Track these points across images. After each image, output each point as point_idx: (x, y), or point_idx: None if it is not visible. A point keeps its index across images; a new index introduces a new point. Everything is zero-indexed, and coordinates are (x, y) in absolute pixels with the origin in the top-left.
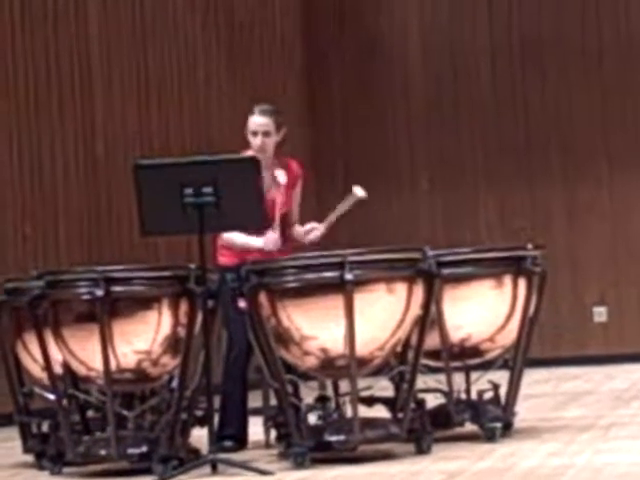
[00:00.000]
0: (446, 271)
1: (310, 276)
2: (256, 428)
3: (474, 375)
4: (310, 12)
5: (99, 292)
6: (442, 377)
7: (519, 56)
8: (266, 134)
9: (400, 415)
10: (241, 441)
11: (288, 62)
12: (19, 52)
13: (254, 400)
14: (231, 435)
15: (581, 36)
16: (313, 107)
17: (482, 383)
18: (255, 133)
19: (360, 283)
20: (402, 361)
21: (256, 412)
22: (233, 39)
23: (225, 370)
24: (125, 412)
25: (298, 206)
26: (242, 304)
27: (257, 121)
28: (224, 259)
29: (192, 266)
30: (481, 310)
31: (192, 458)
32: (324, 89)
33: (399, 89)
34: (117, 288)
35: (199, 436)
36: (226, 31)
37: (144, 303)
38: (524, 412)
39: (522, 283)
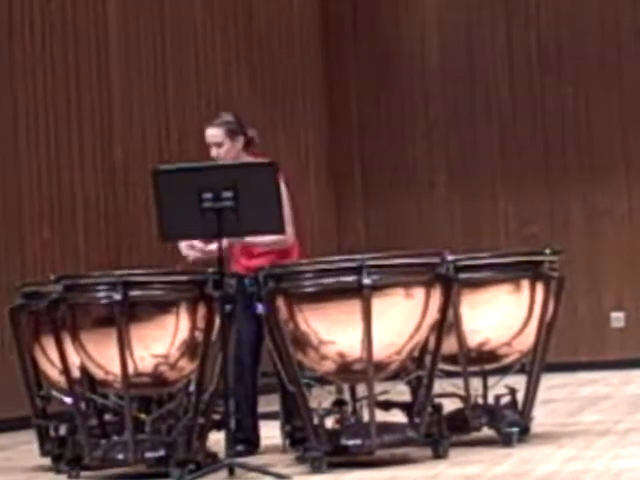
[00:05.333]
0: (464, 276)
1: (328, 280)
2: (272, 432)
3: (491, 380)
4: (328, 20)
5: (117, 296)
6: (459, 382)
7: (537, 61)
8: (218, 145)
9: (417, 419)
10: (253, 444)
11: (307, 70)
12: (38, 58)
13: (270, 404)
14: (243, 439)
15: (600, 41)
16: (332, 114)
17: (499, 388)
18: (209, 145)
19: (378, 288)
20: (419, 365)
21: (272, 416)
22: (252, 47)
23: (234, 373)
24: (143, 416)
25: (285, 209)
26: (260, 309)
27: (208, 133)
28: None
29: (210, 270)
30: (499, 315)
31: (209, 462)
32: (343, 96)
33: (417, 95)
34: (135, 292)
35: (216, 440)
36: (245, 40)
37: (162, 307)
38: (541, 417)
39: (540, 288)
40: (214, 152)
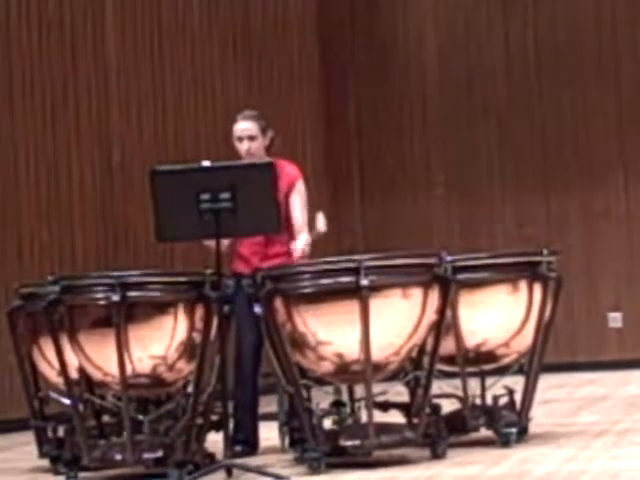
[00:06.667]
0: (462, 276)
1: (326, 281)
2: (270, 433)
3: (489, 380)
4: (326, 20)
5: (115, 297)
6: (457, 382)
7: (535, 63)
8: (251, 138)
9: (415, 420)
10: (252, 446)
11: (305, 71)
12: (36, 61)
13: (268, 405)
14: (242, 440)
15: (597, 44)
16: (329, 114)
17: (497, 388)
18: (241, 139)
19: (376, 288)
20: (417, 366)
21: (270, 417)
22: (250, 48)
23: (235, 374)
24: (141, 417)
25: (302, 211)
26: (257, 310)
27: (241, 127)
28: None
29: (208, 271)
30: (497, 315)
31: (207, 463)
32: (340, 96)
33: (415, 95)
34: (133, 293)
35: (214, 441)
36: (243, 40)
37: (160, 308)
38: (539, 417)
39: (538, 288)
40: (245, 145)
